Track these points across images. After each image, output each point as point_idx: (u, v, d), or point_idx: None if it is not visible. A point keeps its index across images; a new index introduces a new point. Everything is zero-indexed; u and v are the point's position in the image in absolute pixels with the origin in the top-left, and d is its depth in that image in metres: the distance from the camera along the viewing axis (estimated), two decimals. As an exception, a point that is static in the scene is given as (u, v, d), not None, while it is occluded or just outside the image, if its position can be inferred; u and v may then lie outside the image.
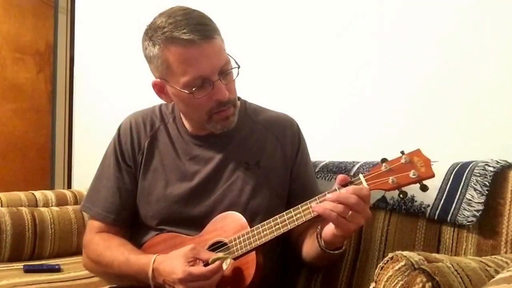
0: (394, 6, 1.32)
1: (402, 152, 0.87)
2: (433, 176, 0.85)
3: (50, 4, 2.79)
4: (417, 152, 0.87)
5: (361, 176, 0.88)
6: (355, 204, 0.84)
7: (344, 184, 0.89)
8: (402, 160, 0.86)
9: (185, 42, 0.93)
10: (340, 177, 0.89)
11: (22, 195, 1.64)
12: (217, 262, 0.91)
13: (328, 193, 0.89)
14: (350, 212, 0.84)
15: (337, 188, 0.89)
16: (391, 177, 0.86)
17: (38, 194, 1.69)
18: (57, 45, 2.81)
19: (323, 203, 0.87)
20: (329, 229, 0.90)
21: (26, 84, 2.70)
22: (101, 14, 2.43)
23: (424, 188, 0.86)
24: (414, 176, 0.84)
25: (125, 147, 1.12)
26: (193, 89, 0.97)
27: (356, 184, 0.88)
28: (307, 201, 0.92)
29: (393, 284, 0.64)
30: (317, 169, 1.27)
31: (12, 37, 2.64)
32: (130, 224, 1.14)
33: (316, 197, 0.91)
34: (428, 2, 1.25)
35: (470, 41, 1.16)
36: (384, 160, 0.88)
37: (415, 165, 0.85)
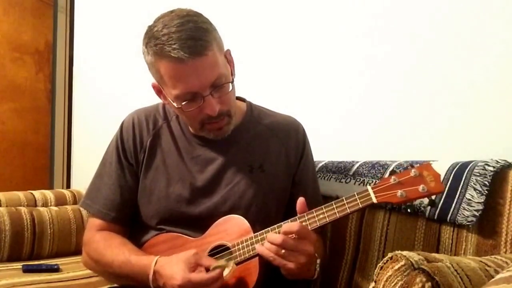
0: (396, 6, 1.32)
1: (412, 165, 0.87)
2: (443, 191, 0.85)
3: (50, 3, 2.78)
4: (427, 166, 0.86)
5: (369, 188, 0.87)
6: (283, 242, 0.86)
7: (302, 213, 0.91)
8: (412, 174, 0.85)
9: (173, 59, 0.92)
10: (298, 203, 0.91)
11: (21, 194, 1.64)
12: (218, 270, 0.91)
13: (291, 220, 0.92)
14: (283, 251, 0.86)
15: (297, 219, 0.91)
16: (399, 191, 0.85)
17: (37, 193, 1.68)
18: (57, 44, 2.81)
19: (265, 244, 0.89)
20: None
21: (25, 83, 2.70)
22: (101, 13, 2.43)
23: (432, 204, 0.86)
24: (424, 191, 0.84)
25: (127, 144, 1.12)
26: (183, 103, 0.96)
27: (363, 196, 0.87)
28: (313, 210, 0.92)
29: (392, 284, 0.64)
30: (317, 169, 1.27)
31: (11, 36, 2.64)
32: (131, 223, 1.14)
33: (323, 206, 0.91)
34: (430, 3, 1.25)
35: (471, 41, 1.16)
36: (393, 172, 0.88)
37: (424, 179, 0.84)
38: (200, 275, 0.90)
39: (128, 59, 2.13)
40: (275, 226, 0.94)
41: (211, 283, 0.90)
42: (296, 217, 0.93)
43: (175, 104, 0.98)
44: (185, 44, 0.91)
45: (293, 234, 0.87)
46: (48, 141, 2.81)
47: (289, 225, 0.87)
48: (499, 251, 0.89)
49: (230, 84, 0.99)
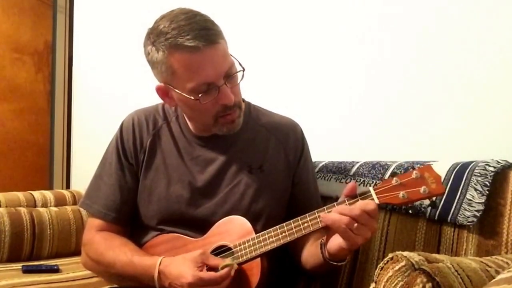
0: (394, 7, 1.32)
1: (413, 167, 0.88)
2: (444, 192, 0.86)
3: (49, 3, 2.78)
4: (428, 168, 0.87)
5: (371, 189, 0.88)
6: (359, 216, 0.83)
7: (353, 196, 0.88)
8: (413, 175, 0.86)
9: (189, 49, 0.92)
10: (348, 187, 0.89)
11: (20, 195, 1.64)
12: (227, 269, 0.91)
13: (336, 204, 0.89)
14: (356, 224, 0.83)
15: (346, 200, 0.88)
16: (401, 192, 0.85)
17: (37, 194, 1.68)
18: (56, 45, 2.80)
19: (331, 214, 0.86)
20: (335, 242, 0.89)
21: (24, 84, 2.69)
22: (100, 14, 2.43)
23: (433, 205, 0.88)
24: (425, 192, 0.84)
25: (127, 144, 1.12)
26: (199, 95, 0.96)
27: (366, 197, 0.87)
28: (315, 211, 0.91)
29: (393, 285, 0.64)
30: (317, 169, 1.27)
31: (10, 37, 2.63)
32: (131, 223, 1.14)
33: (325, 208, 0.90)
34: (429, 2, 1.24)
35: (471, 41, 1.16)
36: (394, 174, 0.88)
37: (426, 181, 0.85)
38: (210, 274, 0.91)
39: (128, 59, 2.13)
40: (322, 209, 0.91)
41: (222, 281, 0.90)
42: (298, 217, 0.93)
43: (191, 97, 0.97)
44: (199, 34, 0.92)
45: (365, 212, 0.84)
46: (47, 141, 2.80)
47: (366, 203, 0.85)
48: (500, 252, 0.89)
49: (241, 73, 1.00)
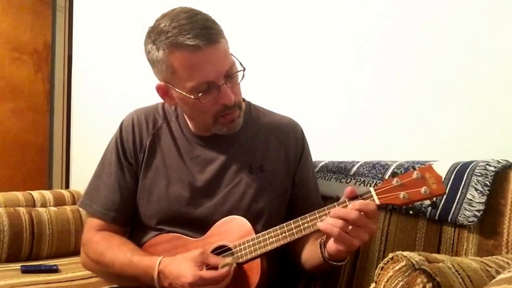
0: (395, 7, 1.32)
1: (414, 167, 0.88)
2: (444, 193, 0.86)
3: (48, 2, 2.78)
4: (429, 168, 0.86)
5: (371, 189, 0.87)
6: (356, 219, 0.82)
7: (353, 197, 0.88)
8: (414, 176, 0.86)
9: (190, 48, 0.92)
10: (348, 190, 0.88)
11: (19, 195, 1.64)
12: (227, 267, 0.91)
13: (337, 204, 0.88)
14: (351, 227, 0.83)
15: (346, 200, 0.88)
16: (402, 192, 0.85)
17: (36, 194, 1.68)
18: (55, 44, 2.80)
19: (329, 220, 0.85)
20: (333, 243, 0.88)
21: (24, 83, 2.69)
22: (100, 13, 2.42)
23: (434, 205, 0.88)
24: (426, 193, 0.84)
25: (126, 144, 1.11)
26: (199, 94, 0.96)
27: (366, 198, 0.87)
28: (315, 211, 0.91)
29: (393, 285, 0.64)
30: (317, 169, 1.27)
31: (10, 36, 2.63)
32: (130, 223, 1.13)
33: (325, 208, 0.90)
34: (430, 2, 1.24)
35: (471, 41, 1.16)
36: (395, 174, 0.88)
37: (426, 181, 0.85)
38: (210, 272, 0.91)
39: (127, 59, 2.13)
40: (322, 209, 0.90)
41: (222, 279, 0.90)
42: (298, 218, 0.92)
43: (191, 96, 0.97)
44: (200, 33, 0.92)
45: (363, 212, 0.83)
46: (47, 141, 2.80)
47: (366, 203, 0.84)
48: (501, 252, 0.89)
49: (242, 72, 1.00)
